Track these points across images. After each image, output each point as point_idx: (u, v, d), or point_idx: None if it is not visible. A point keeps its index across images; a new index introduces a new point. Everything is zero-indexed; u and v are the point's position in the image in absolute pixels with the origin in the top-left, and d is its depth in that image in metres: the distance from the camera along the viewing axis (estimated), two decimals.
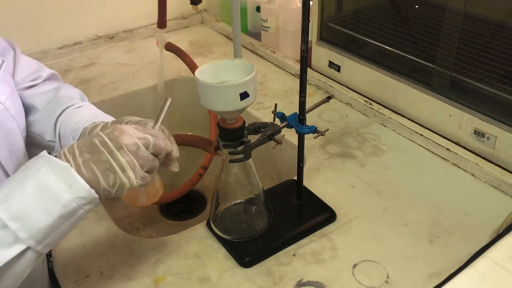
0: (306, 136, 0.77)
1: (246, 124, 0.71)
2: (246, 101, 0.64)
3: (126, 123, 0.62)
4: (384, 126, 1.04)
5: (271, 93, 1.18)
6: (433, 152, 0.95)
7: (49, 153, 0.54)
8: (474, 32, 1.02)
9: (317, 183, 0.89)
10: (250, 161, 0.73)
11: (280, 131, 0.74)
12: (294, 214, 0.83)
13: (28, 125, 0.74)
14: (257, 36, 1.42)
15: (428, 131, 0.98)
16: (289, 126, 0.75)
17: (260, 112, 1.11)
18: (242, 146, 0.70)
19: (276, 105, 0.79)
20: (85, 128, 0.70)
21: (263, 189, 0.77)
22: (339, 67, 1.15)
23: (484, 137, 0.90)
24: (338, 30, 1.18)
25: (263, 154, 1.10)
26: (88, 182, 0.52)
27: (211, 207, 0.78)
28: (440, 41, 0.95)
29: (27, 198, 0.49)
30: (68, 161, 0.52)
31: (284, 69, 1.28)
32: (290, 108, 0.77)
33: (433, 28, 1.07)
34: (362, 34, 1.14)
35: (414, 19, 1.14)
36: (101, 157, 0.53)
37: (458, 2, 0.90)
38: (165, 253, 0.76)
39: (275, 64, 1.31)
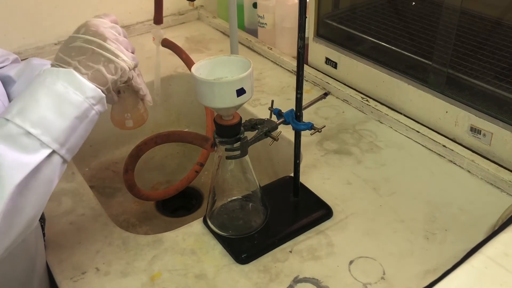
0: (302, 132, 0.77)
1: (243, 121, 0.71)
2: (242, 97, 0.64)
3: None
4: (381, 122, 1.04)
5: (268, 90, 1.18)
6: (429, 149, 0.96)
7: None
8: (470, 28, 1.02)
9: (314, 179, 0.89)
10: (247, 157, 0.73)
11: (276, 128, 0.74)
12: (290, 210, 0.83)
13: (10, 95, 0.76)
14: (253, 32, 1.42)
15: (424, 127, 0.98)
16: (285, 122, 0.75)
17: (257, 108, 1.11)
18: (239, 142, 0.70)
19: (272, 101, 0.79)
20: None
21: (259, 185, 0.77)
22: (336, 63, 1.15)
23: (480, 134, 0.90)
24: (335, 27, 1.18)
25: (260, 150, 1.09)
26: (94, 79, 0.56)
27: (208, 203, 0.78)
28: (437, 38, 0.95)
29: (42, 107, 0.53)
30: (64, 62, 0.56)
31: (280, 66, 1.28)
32: (287, 104, 0.77)
33: (429, 25, 1.07)
34: (359, 31, 1.14)
35: (411, 15, 1.14)
36: (93, 53, 0.57)
37: None
38: (161, 250, 0.76)
39: (271, 61, 1.31)
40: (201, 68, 0.66)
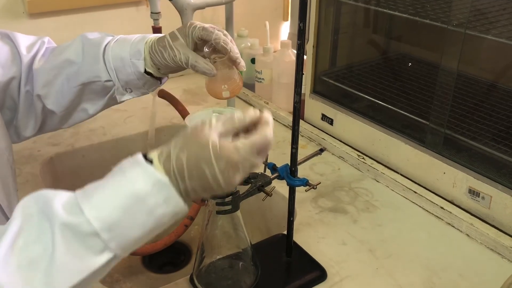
0: (297, 188, 0.74)
1: None
2: None
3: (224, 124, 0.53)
4: (377, 181, 1.02)
5: None
6: (426, 210, 0.93)
7: (145, 156, 0.50)
8: (467, 90, 1.03)
9: (308, 238, 0.85)
10: (238, 213, 0.70)
11: (270, 183, 0.72)
12: (282, 271, 0.79)
13: (72, 78, 0.75)
14: (251, 87, 1.43)
15: (421, 188, 0.96)
16: (280, 177, 0.73)
17: None
18: (230, 197, 0.67)
19: (267, 155, 0.77)
20: (145, 43, 0.73)
21: (250, 243, 0.74)
22: (332, 120, 1.15)
23: (479, 197, 0.88)
24: (331, 84, 1.19)
25: (252, 206, 1.06)
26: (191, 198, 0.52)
27: (195, 261, 0.74)
28: (434, 99, 0.95)
29: (121, 210, 0.47)
30: (176, 180, 0.50)
31: (277, 120, 1.28)
32: (282, 159, 0.75)
33: (426, 86, 1.08)
34: (356, 89, 1.14)
35: (408, 76, 1.16)
36: (209, 187, 0.51)
37: (451, 62, 0.91)
38: None
39: None
40: (195, 119, 0.65)
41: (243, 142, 0.51)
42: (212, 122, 0.51)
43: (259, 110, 0.54)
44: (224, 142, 0.50)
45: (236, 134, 0.53)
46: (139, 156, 0.50)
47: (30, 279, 0.44)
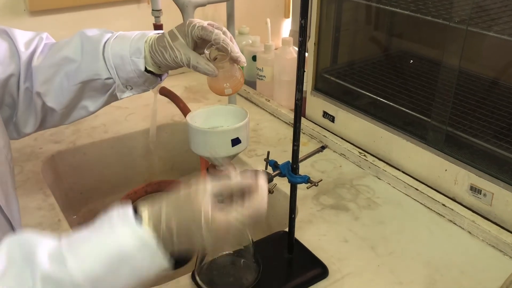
0: (298, 186, 0.74)
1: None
2: (237, 147, 0.62)
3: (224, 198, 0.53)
4: (379, 178, 1.02)
5: (264, 141, 1.17)
6: (428, 207, 0.93)
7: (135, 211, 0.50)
8: (469, 88, 1.03)
9: (309, 235, 0.85)
10: None
11: (272, 180, 0.72)
12: (284, 268, 0.79)
13: (72, 76, 0.75)
14: (252, 84, 1.42)
15: (423, 185, 0.96)
16: (281, 175, 0.73)
17: (253, 159, 1.09)
18: None
19: (268, 152, 0.77)
20: (145, 41, 0.73)
21: (252, 240, 0.74)
22: (333, 117, 1.15)
23: (480, 194, 0.88)
24: (333, 81, 1.18)
25: None
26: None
27: (197, 257, 0.74)
28: (436, 96, 0.95)
29: (106, 267, 0.48)
30: (163, 242, 0.50)
31: (278, 118, 1.28)
32: (283, 156, 0.75)
33: (428, 83, 1.07)
34: (357, 86, 1.14)
35: (409, 73, 1.15)
36: (194, 251, 0.53)
37: (453, 59, 0.91)
38: None
39: (269, 112, 1.31)
40: (196, 116, 0.65)
41: (236, 217, 0.50)
42: (207, 186, 0.51)
43: (256, 173, 0.53)
44: (216, 215, 0.49)
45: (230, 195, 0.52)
46: (130, 213, 0.50)
47: None
